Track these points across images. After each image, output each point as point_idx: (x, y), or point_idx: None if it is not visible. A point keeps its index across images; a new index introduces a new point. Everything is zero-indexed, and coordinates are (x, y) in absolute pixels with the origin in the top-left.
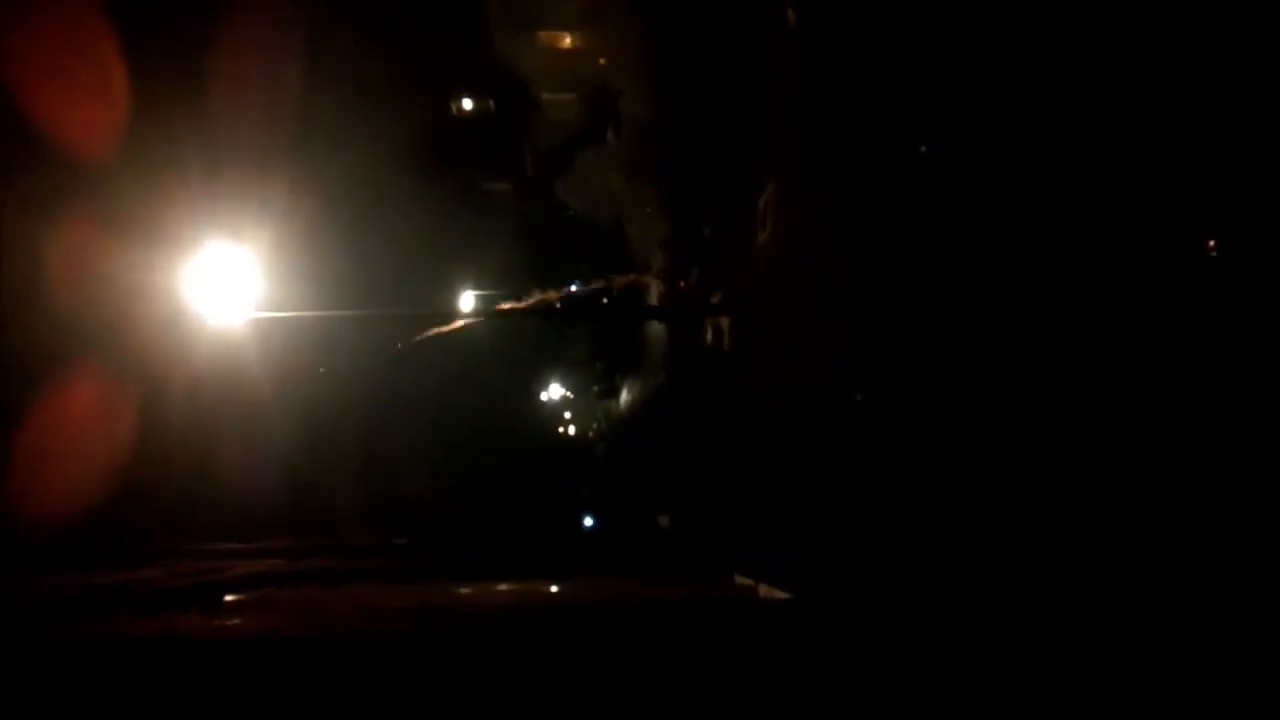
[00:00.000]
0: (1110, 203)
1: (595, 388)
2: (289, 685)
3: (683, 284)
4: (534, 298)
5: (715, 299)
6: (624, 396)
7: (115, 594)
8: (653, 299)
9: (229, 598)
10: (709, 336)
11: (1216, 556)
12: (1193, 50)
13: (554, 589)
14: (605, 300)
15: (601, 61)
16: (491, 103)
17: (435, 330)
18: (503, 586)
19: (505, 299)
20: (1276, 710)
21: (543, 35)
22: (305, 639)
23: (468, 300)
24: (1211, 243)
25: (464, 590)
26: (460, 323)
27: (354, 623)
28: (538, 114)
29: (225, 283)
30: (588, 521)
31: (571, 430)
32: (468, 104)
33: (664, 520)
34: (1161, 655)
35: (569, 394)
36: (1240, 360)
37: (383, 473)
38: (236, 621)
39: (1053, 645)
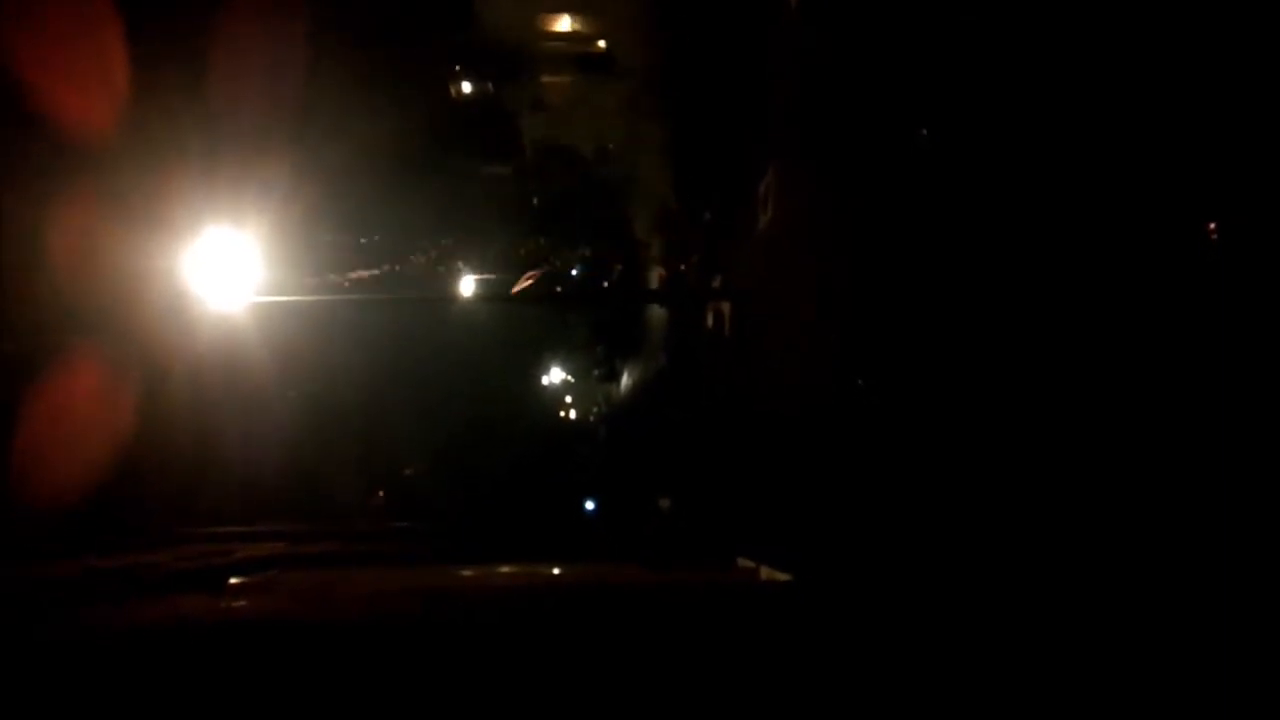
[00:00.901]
0: (1110, 193)
1: (596, 371)
2: (294, 667)
3: (683, 268)
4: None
5: (716, 283)
6: (625, 380)
7: (120, 577)
8: (653, 283)
9: (233, 581)
10: (710, 321)
11: (1216, 546)
12: (1193, 42)
13: (556, 572)
14: (606, 284)
15: (602, 45)
16: (490, 85)
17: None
18: (505, 570)
19: (506, 282)
20: (1277, 710)
21: (542, 17)
22: (310, 622)
23: (468, 284)
24: (1212, 225)
25: (467, 573)
26: (461, 306)
27: (358, 606)
28: (537, 96)
29: (226, 267)
30: (589, 505)
31: (572, 414)
32: (467, 87)
33: (665, 504)
34: (1159, 644)
35: (570, 377)
36: (1241, 352)
37: (384, 456)
38: (241, 604)
39: (1048, 632)
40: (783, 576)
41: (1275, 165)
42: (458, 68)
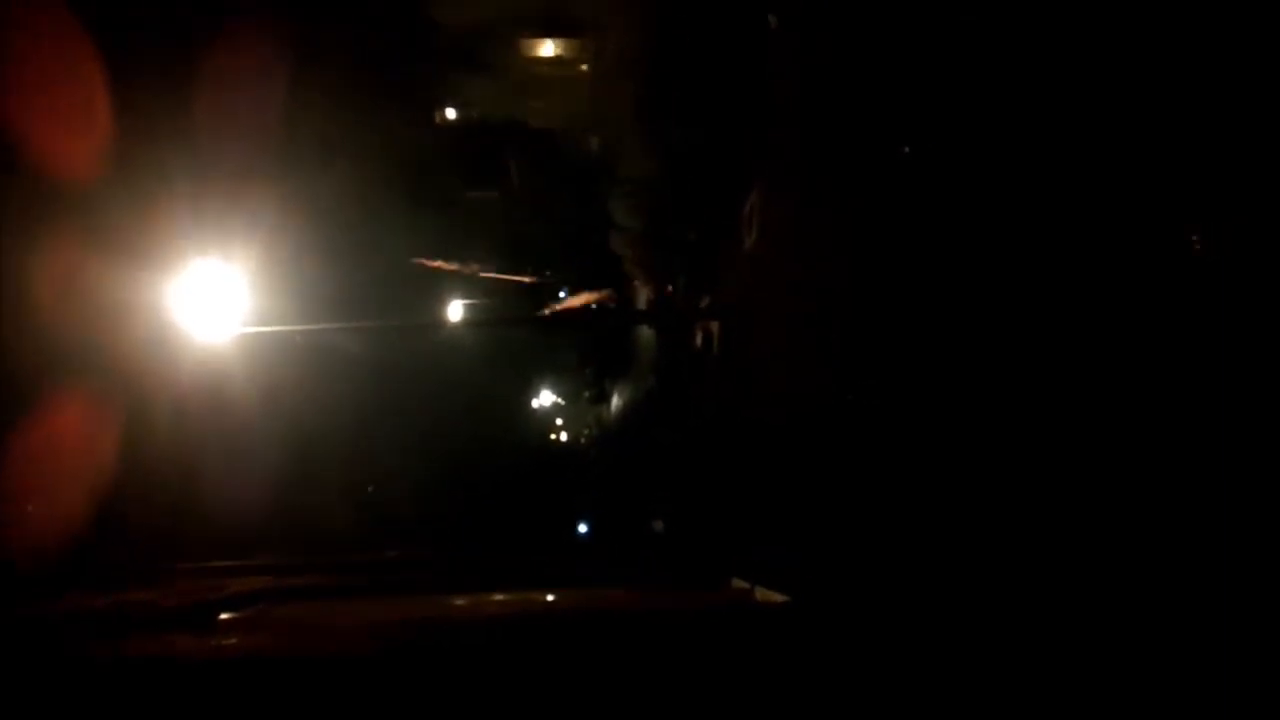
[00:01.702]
0: (1104, 204)
1: (586, 394)
2: (287, 703)
3: (670, 289)
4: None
5: (704, 304)
6: (615, 402)
7: (109, 615)
8: (641, 304)
9: (224, 616)
10: (698, 341)
11: (1216, 556)
12: (1190, 47)
13: (550, 598)
14: (594, 306)
15: (584, 68)
16: (476, 113)
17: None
18: (498, 597)
19: (493, 307)
20: (1277, 711)
21: (527, 43)
22: (302, 656)
23: (455, 309)
24: (1195, 238)
25: (460, 602)
26: (449, 331)
27: (350, 638)
28: (522, 123)
29: (212, 299)
30: (582, 529)
31: (563, 437)
32: (451, 114)
33: (658, 526)
34: (1162, 657)
35: (560, 400)
36: (1240, 357)
37: (374, 486)
38: (233, 640)
39: (1051, 649)
40: (778, 597)
41: (1271, 169)
42: (443, 96)
